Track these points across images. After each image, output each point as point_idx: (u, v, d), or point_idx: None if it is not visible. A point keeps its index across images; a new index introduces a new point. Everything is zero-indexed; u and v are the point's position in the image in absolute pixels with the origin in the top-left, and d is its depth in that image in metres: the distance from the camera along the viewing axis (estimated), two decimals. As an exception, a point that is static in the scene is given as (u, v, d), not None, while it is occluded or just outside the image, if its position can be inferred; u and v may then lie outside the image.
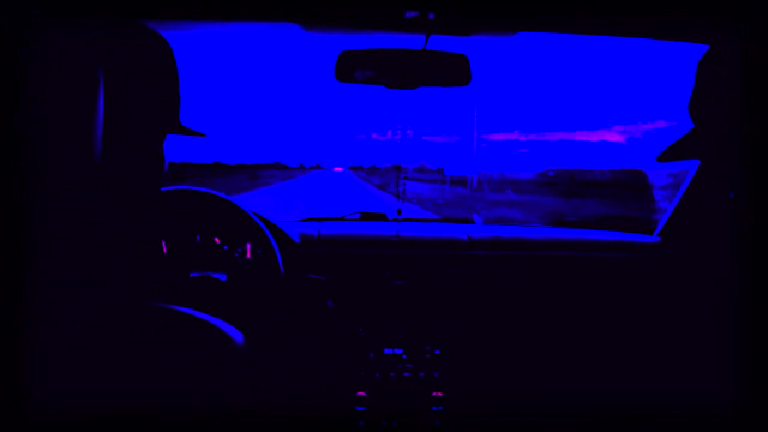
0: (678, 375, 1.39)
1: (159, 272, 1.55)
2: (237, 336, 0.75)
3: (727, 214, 1.26)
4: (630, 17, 1.25)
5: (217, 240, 1.58)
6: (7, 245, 0.63)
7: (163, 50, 0.94)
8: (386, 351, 1.56)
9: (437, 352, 1.57)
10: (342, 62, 1.43)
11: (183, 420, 0.69)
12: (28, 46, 0.66)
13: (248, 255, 1.56)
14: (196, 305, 1.52)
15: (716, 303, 1.16)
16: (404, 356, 1.56)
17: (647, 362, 1.48)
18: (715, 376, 0.99)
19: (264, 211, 1.72)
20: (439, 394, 1.53)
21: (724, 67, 0.94)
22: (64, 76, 0.69)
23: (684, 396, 1.26)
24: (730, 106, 0.88)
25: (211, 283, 1.50)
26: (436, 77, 1.41)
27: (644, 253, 1.68)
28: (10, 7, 0.65)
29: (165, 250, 1.56)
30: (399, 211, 1.80)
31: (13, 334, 0.63)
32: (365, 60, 1.42)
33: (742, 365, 0.82)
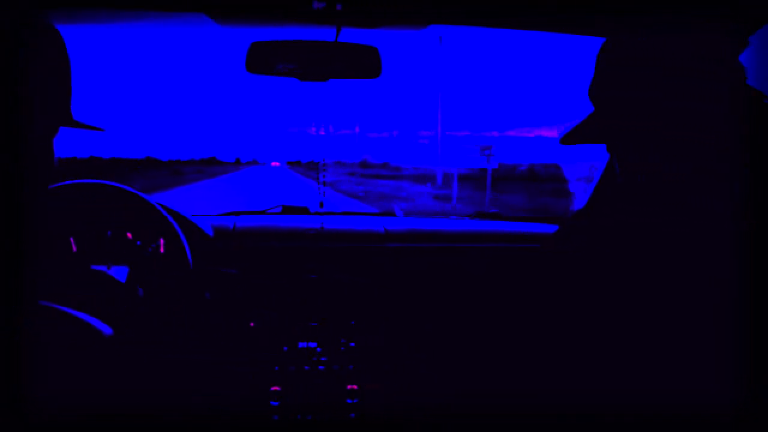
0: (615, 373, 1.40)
1: (68, 269, 1.50)
2: (105, 329, 0.74)
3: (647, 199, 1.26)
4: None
5: (129, 235, 1.54)
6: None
7: (55, 43, 0.92)
8: (300, 345, 1.55)
9: (352, 345, 1.57)
10: (253, 53, 1.42)
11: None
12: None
13: (161, 249, 1.54)
14: (100, 301, 1.49)
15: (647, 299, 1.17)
16: (319, 349, 1.56)
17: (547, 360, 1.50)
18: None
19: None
20: (354, 386, 1.53)
21: (625, 52, 0.97)
22: None
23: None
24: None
25: (111, 279, 1.47)
26: (346, 69, 1.42)
27: (553, 244, 1.72)
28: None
29: (74, 247, 1.52)
30: (321, 204, 1.82)
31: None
32: (276, 51, 1.42)
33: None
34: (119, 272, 1.51)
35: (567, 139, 1.05)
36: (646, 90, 0.92)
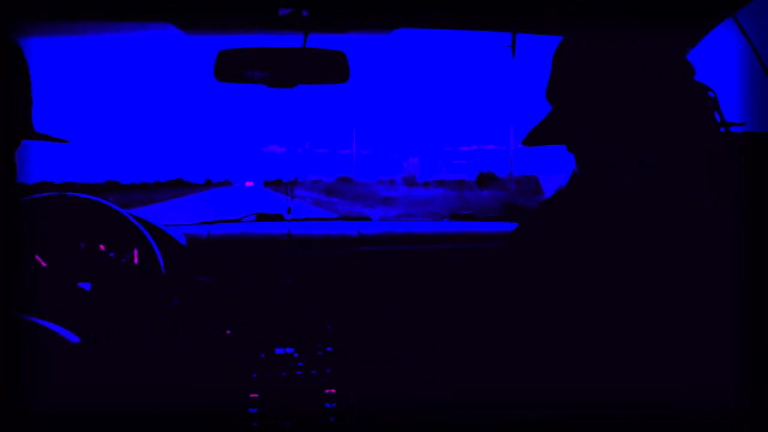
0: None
1: (41, 284, 1.50)
2: (72, 338, 0.75)
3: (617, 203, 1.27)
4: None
5: (102, 247, 1.54)
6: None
7: (13, 54, 0.91)
8: (277, 351, 1.55)
9: (329, 349, 1.57)
10: (221, 61, 1.42)
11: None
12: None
13: (135, 260, 1.53)
14: (78, 314, 1.49)
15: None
16: (296, 355, 1.55)
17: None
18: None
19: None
20: (333, 390, 1.53)
21: (582, 51, 0.99)
22: None
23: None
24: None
25: (81, 292, 1.48)
26: (314, 75, 1.43)
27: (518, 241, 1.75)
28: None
29: (43, 262, 1.51)
30: (289, 210, 1.83)
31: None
32: (244, 59, 1.42)
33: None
34: (90, 284, 1.51)
35: (528, 140, 1.07)
36: (602, 88, 0.94)
